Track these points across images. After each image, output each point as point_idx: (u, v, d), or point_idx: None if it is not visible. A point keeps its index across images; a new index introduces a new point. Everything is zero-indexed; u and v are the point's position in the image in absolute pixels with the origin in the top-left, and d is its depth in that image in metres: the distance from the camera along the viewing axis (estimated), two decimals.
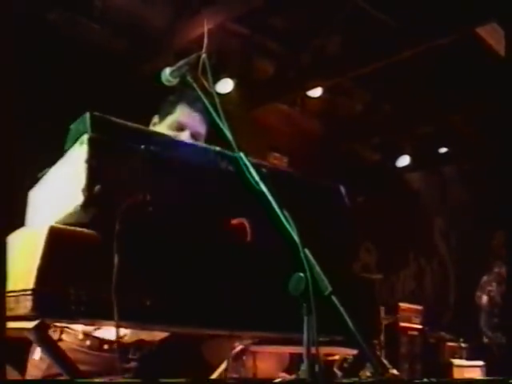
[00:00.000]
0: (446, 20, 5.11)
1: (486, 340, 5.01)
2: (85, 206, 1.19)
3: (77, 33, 5.07)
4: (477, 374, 6.15)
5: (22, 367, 1.97)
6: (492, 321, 4.89)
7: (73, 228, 1.20)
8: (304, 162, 6.69)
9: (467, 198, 9.25)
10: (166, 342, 2.03)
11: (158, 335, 2.00)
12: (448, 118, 7.61)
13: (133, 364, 1.96)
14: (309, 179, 1.71)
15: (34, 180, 1.48)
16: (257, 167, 1.41)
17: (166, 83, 1.62)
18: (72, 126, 1.34)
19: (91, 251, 1.19)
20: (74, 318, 1.16)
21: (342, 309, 1.19)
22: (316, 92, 6.61)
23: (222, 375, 2.04)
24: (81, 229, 1.21)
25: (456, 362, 6.78)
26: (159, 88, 1.72)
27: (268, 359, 2.75)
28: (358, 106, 7.65)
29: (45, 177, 1.44)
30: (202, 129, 2.17)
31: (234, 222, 1.41)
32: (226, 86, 5.81)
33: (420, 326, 7.22)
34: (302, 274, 1.20)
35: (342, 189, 1.74)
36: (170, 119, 2.18)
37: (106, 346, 1.92)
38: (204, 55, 1.54)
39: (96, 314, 1.18)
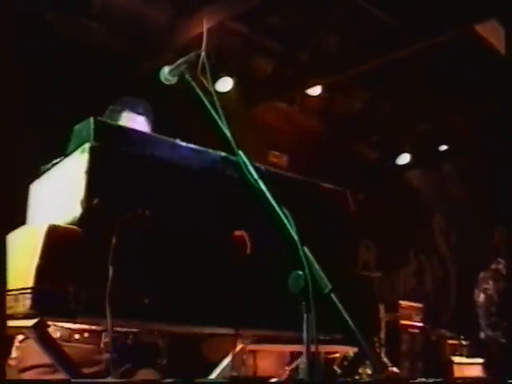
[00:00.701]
0: (444, 17, 5.11)
1: (483, 336, 4.98)
2: (82, 218, 1.20)
3: (76, 32, 5.07)
4: (477, 371, 6.15)
5: None
6: (490, 319, 4.85)
7: (72, 227, 1.20)
8: (303, 160, 6.68)
9: (467, 195, 9.25)
10: (140, 334, 2.00)
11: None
12: (447, 116, 7.61)
13: (105, 356, 1.91)
14: (313, 182, 1.73)
15: (36, 173, 1.48)
16: (255, 166, 1.40)
17: (165, 82, 1.62)
18: (76, 128, 1.34)
19: (90, 250, 1.19)
20: (73, 317, 1.16)
21: (340, 306, 1.19)
22: (315, 90, 6.60)
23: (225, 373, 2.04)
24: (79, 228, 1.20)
25: (456, 359, 6.78)
26: (159, 87, 1.72)
27: (268, 357, 2.76)
28: (358, 104, 7.65)
29: (47, 173, 1.43)
30: (148, 129, 2.28)
31: (235, 235, 1.41)
32: (225, 84, 5.80)
33: (421, 324, 7.21)
34: (300, 272, 1.20)
35: (348, 194, 1.78)
36: None
37: (76, 336, 1.89)
38: (203, 54, 1.53)
39: (95, 312, 1.17)
